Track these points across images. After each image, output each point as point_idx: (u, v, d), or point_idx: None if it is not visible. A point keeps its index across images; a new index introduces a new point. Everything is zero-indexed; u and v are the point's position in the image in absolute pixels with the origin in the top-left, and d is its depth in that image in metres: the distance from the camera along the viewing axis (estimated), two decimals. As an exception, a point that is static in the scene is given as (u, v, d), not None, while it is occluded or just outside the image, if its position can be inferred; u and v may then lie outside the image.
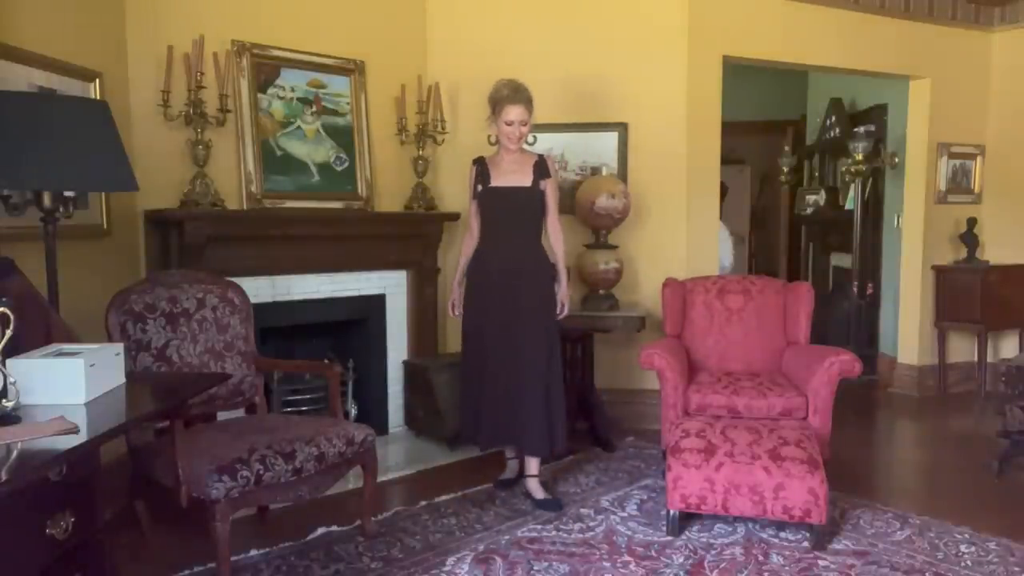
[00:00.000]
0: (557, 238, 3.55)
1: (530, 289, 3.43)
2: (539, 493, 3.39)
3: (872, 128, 5.81)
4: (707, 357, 3.93)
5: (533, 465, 3.44)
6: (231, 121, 3.74)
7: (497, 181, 3.48)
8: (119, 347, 2.07)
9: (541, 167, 3.48)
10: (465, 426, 3.61)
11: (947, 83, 5.45)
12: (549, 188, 3.49)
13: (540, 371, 3.38)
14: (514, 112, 3.41)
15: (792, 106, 7.41)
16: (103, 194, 3.25)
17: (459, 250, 3.72)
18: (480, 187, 3.51)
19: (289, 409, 4.01)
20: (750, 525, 3.13)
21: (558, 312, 3.50)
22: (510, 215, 3.48)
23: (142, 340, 2.76)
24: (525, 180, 3.46)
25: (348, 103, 4.21)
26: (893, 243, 5.89)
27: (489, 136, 3.58)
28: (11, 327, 1.70)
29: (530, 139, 3.55)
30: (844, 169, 5.92)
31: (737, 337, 3.93)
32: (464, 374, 3.60)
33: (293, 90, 4.02)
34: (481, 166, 3.54)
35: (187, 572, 2.71)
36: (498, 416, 3.42)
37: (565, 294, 3.53)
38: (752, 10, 4.74)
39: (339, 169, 4.16)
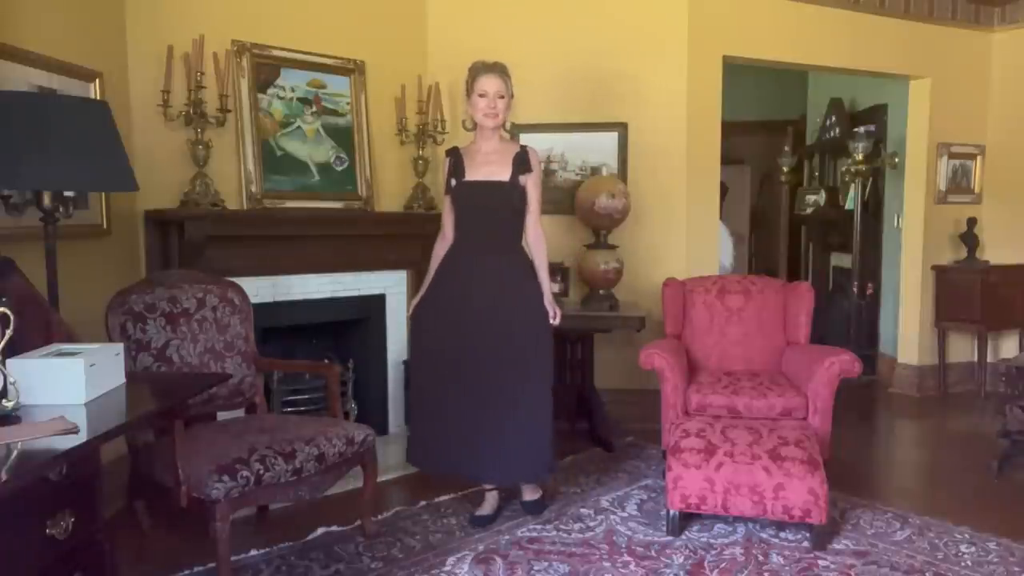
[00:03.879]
0: (538, 242, 3.16)
1: (515, 296, 3.09)
2: (530, 495, 3.32)
3: (872, 128, 5.81)
4: (707, 357, 3.93)
5: None
6: (231, 121, 3.74)
7: (472, 174, 3.11)
8: (119, 347, 2.07)
9: (522, 160, 3.10)
10: (434, 460, 3.18)
11: (947, 83, 5.45)
12: (530, 184, 3.11)
13: (546, 386, 3.10)
14: (488, 83, 3.04)
15: (792, 106, 7.41)
16: (103, 194, 3.25)
17: (432, 252, 3.32)
18: (454, 181, 3.15)
19: (289, 409, 4.01)
20: (750, 525, 3.13)
21: (551, 320, 3.14)
22: (485, 213, 3.11)
23: (142, 340, 2.77)
24: (502, 174, 3.07)
25: (348, 103, 4.21)
26: (893, 243, 5.90)
27: (464, 121, 3.23)
28: (11, 327, 1.70)
29: (507, 127, 3.18)
30: (844, 169, 5.91)
31: (737, 337, 3.93)
32: (423, 397, 3.16)
33: (293, 90, 4.01)
34: (455, 157, 3.16)
35: (187, 572, 2.72)
36: (490, 446, 3.05)
37: (550, 300, 3.16)
38: (752, 10, 4.74)
39: (339, 169, 4.16)
